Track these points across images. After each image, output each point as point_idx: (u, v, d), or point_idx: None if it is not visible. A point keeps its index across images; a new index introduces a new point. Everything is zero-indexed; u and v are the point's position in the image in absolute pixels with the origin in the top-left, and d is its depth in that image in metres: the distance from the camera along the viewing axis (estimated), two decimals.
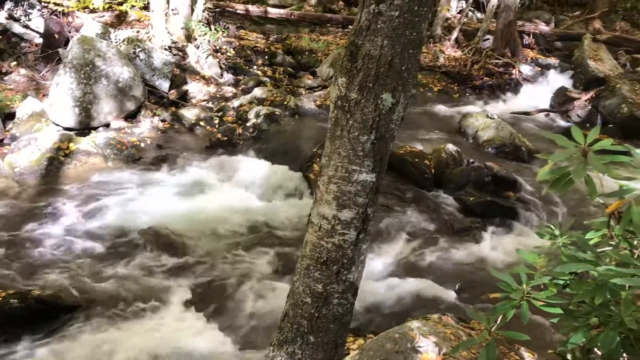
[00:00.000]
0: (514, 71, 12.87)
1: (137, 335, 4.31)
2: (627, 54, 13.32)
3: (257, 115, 8.69)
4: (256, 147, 8.18)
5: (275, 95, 9.76)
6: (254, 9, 14.39)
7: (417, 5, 1.92)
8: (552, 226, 1.86)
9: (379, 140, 2.04)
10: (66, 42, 9.42)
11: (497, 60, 13.00)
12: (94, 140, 7.52)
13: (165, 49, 10.18)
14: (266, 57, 12.45)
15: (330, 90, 2.13)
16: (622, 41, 13.99)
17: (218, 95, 9.99)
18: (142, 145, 7.90)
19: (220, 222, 6.16)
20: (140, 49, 9.31)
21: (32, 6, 10.00)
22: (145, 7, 11.15)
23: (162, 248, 5.57)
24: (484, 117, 9.26)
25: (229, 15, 13.85)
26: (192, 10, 11.08)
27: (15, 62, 9.23)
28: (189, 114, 8.93)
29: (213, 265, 5.38)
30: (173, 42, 10.59)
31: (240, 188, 7.03)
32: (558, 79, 12.63)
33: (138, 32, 10.59)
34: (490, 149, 8.56)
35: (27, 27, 9.85)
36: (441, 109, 10.85)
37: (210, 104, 9.63)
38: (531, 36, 14.81)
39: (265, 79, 10.99)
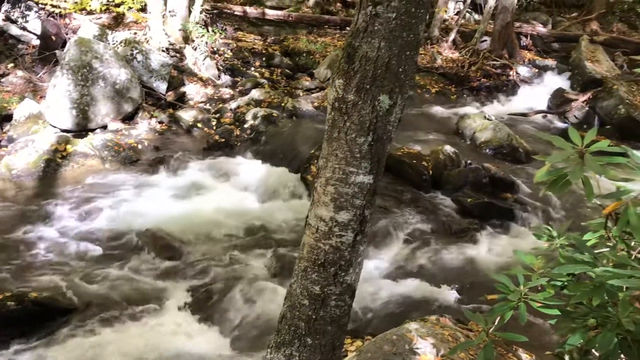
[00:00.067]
0: (511, 72, 12.90)
1: (133, 338, 4.30)
2: (624, 56, 13.34)
3: (255, 117, 8.69)
4: (254, 148, 8.18)
5: (272, 96, 9.76)
6: (252, 11, 14.40)
7: (414, 7, 1.92)
8: (549, 227, 1.86)
9: (376, 142, 2.03)
10: (63, 44, 9.40)
11: (494, 62, 13.02)
12: (91, 142, 7.51)
13: (163, 51, 10.17)
14: (264, 58, 12.45)
15: (327, 92, 2.13)
16: (619, 42, 14.02)
17: (215, 97, 9.98)
18: (140, 147, 7.89)
19: (217, 224, 6.15)
20: (137, 51, 9.30)
21: (29, 8, 9.99)
22: (143, 9, 11.13)
23: (159, 250, 5.56)
24: (482, 118, 9.26)
25: (226, 17, 13.84)
26: (190, 11, 11.07)
27: (12, 64, 9.22)
28: (187, 115, 8.92)
29: (210, 267, 5.37)
30: (170, 44, 10.58)
31: (237, 190, 7.03)
32: (555, 81, 12.65)
33: (135, 33, 10.58)
34: (487, 151, 8.57)
35: (24, 28, 9.84)
36: (439, 110, 10.86)
37: (207, 106, 9.62)
38: (528, 37, 14.83)
39: (262, 80, 10.99)
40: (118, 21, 11.46)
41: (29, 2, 10.03)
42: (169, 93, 9.52)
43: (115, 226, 5.97)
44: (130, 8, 11.10)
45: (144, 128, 8.43)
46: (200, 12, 11.20)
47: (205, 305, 4.83)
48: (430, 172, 7.20)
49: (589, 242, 1.71)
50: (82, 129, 7.94)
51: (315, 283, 2.20)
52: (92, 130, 8.03)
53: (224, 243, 5.86)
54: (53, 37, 9.52)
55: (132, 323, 4.51)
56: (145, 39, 10.36)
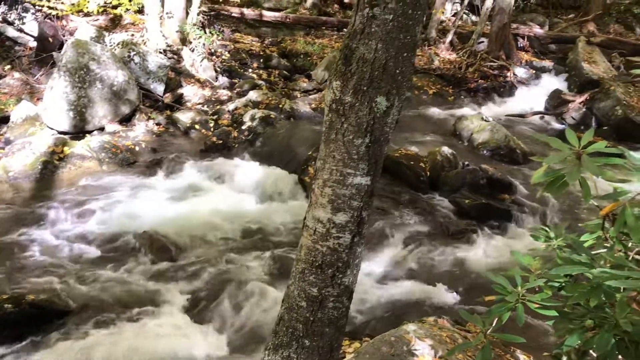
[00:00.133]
0: (508, 74, 12.92)
1: (130, 340, 4.29)
2: (621, 57, 13.37)
3: (253, 119, 8.69)
4: (251, 150, 8.17)
5: (270, 98, 9.77)
6: (249, 12, 14.40)
7: (411, 9, 1.92)
8: (547, 228, 1.86)
9: (373, 144, 2.03)
10: (60, 46, 9.39)
11: (491, 63, 13.04)
12: (89, 144, 7.49)
13: (160, 53, 10.17)
14: (261, 60, 12.45)
15: (325, 94, 2.13)
16: (615, 44, 14.05)
17: (213, 99, 9.98)
18: (137, 149, 7.87)
19: (214, 226, 6.14)
20: (134, 53, 9.30)
21: (26, 10, 9.99)
22: (140, 11, 11.13)
23: (156, 252, 5.55)
24: (479, 119, 9.28)
25: (224, 19, 13.85)
26: (187, 13, 11.07)
27: (9, 66, 9.21)
28: (184, 117, 8.91)
29: (207, 269, 5.36)
30: (168, 46, 10.58)
31: (235, 191, 7.02)
32: (552, 82, 12.67)
33: (133, 35, 10.58)
34: (485, 152, 8.58)
35: (21, 30, 9.83)
36: (436, 111, 10.87)
37: (205, 107, 9.61)
38: (525, 39, 14.85)
39: (260, 82, 10.98)
40: (115, 23, 11.46)
41: (25, 3, 10.03)
42: (167, 95, 9.51)
43: (112, 228, 5.96)
44: (127, 10, 11.09)
45: (142, 130, 8.42)
46: (198, 14, 11.21)
47: (202, 308, 4.82)
48: (428, 173, 7.20)
49: (586, 243, 1.71)
50: (79, 131, 7.93)
51: (313, 285, 2.20)
52: (90, 132, 8.02)
53: (221, 245, 5.85)
54: (50, 39, 9.51)
55: (129, 325, 4.49)
56: (143, 40, 10.36)
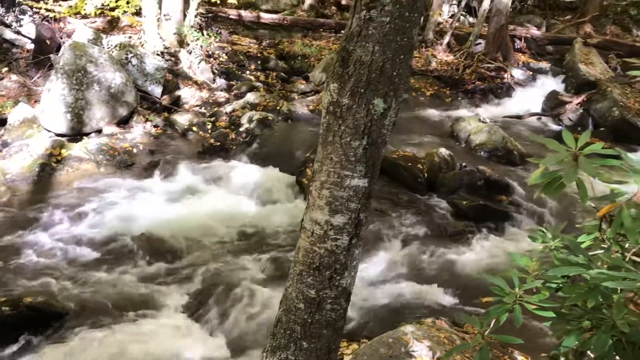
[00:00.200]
0: (505, 75, 12.94)
1: (127, 342, 4.28)
2: (618, 58, 13.41)
3: (250, 120, 8.69)
4: (249, 152, 8.17)
5: (268, 100, 9.77)
6: (247, 14, 14.41)
7: (408, 11, 1.92)
8: (544, 230, 1.87)
9: (371, 146, 2.04)
10: (58, 48, 9.38)
11: (489, 65, 13.06)
12: (86, 146, 7.49)
13: (158, 55, 10.16)
14: (259, 62, 12.46)
15: (322, 96, 2.13)
16: (612, 45, 14.08)
17: (211, 101, 9.98)
18: (135, 151, 7.87)
19: (212, 228, 6.14)
20: (132, 55, 9.29)
21: (23, 12, 9.97)
22: (137, 13, 11.13)
23: (154, 254, 5.54)
24: (476, 121, 9.29)
25: (221, 21, 13.85)
26: (185, 15, 11.07)
27: (6, 68, 9.19)
28: (182, 119, 8.91)
29: (205, 271, 5.36)
30: (165, 48, 10.58)
31: (232, 193, 7.02)
32: (549, 83, 12.69)
33: (130, 37, 10.57)
34: (482, 153, 8.58)
35: (18, 33, 9.81)
36: (433, 113, 10.88)
37: (203, 109, 9.61)
38: (523, 40, 14.88)
39: (258, 84, 10.99)
40: (113, 25, 11.46)
41: (23, 6, 10.02)
42: (164, 97, 9.51)
43: (109, 231, 5.95)
44: (125, 12, 11.08)
45: (139, 132, 8.41)
46: (195, 16, 11.20)
47: (199, 310, 4.81)
48: (426, 174, 7.21)
49: (583, 244, 1.71)
50: (76, 133, 7.92)
51: (311, 287, 2.20)
52: (87, 134, 8.01)
53: (218, 247, 5.85)
54: (47, 41, 9.49)
55: (126, 327, 4.48)
56: (140, 42, 10.35)
